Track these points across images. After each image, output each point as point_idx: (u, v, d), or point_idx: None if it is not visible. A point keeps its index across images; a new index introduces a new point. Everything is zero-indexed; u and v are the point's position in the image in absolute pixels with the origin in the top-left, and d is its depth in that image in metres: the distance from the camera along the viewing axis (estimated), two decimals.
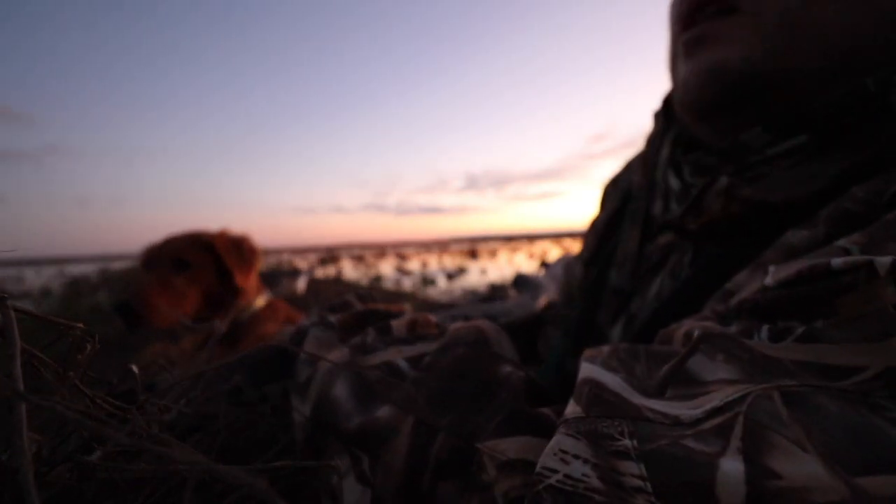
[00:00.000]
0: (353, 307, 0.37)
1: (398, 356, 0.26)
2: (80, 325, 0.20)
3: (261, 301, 1.14)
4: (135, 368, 0.27)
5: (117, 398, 0.27)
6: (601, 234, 0.45)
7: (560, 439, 0.15)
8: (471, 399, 0.21)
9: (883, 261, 0.15)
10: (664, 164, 0.38)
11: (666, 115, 0.40)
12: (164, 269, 1.01)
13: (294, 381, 0.30)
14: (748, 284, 0.22)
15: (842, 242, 0.20)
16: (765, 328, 0.18)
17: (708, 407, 0.15)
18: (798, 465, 0.12)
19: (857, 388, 0.14)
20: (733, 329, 0.19)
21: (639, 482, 0.13)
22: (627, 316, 0.36)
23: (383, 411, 0.22)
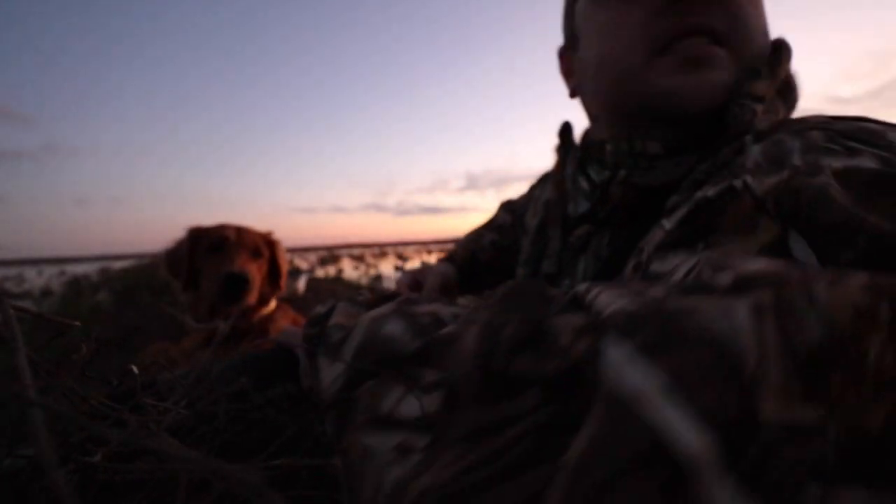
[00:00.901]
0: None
1: (442, 310, 0.29)
2: (77, 323, 0.21)
3: (273, 303, 1.18)
4: (135, 369, 0.27)
5: (118, 398, 0.27)
6: (533, 240, 0.58)
7: (604, 298, 0.20)
8: (532, 302, 0.24)
9: (736, 182, 0.26)
10: (571, 177, 0.52)
11: (563, 145, 0.57)
12: (248, 254, 1.08)
13: (322, 346, 0.31)
14: (651, 237, 0.31)
15: (699, 194, 0.30)
16: (680, 249, 0.28)
17: (681, 274, 0.24)
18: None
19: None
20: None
21: (662, 290, 0.19)
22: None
23: (447, 329, 0.24)
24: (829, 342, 0.15)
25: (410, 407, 0.23)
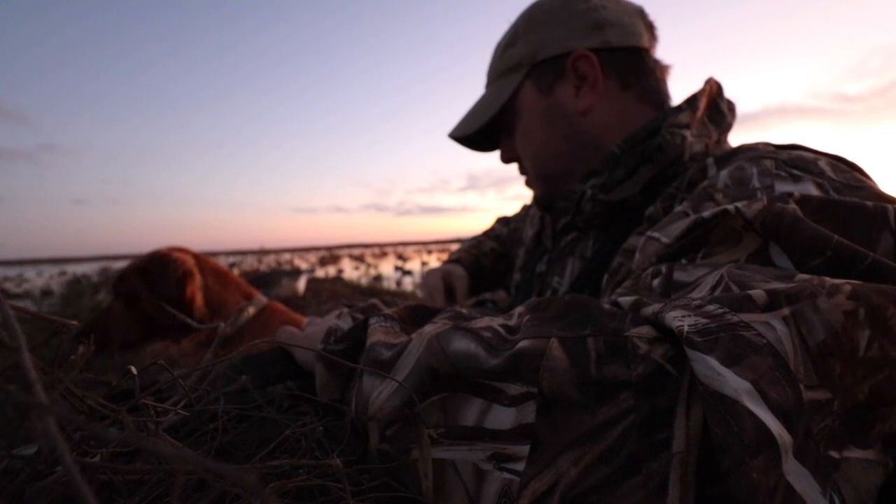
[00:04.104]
0: (381, 309, 0.41)
1: (494, 323, 0.29)
2: (75, 322, 0.20)
3: (251, 310, 1.07)
4: (133, 369, 0.27)
5: (117, 398, 0.27)
6: (528, 248, 0.69)
7: (672, 315, 0.24)
8: (596, 318, 0.27)
9: (730, 207, 0.30)
10: None
11: None
12: (120, 303, 1.07)
13: (366, 360, 0.31)
14: (644, 245, 0.37)
15: (680, 208, 0.37)
16: (683, 261, 0.32)
17: (708, 287, 0.27)
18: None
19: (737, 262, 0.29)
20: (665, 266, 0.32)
21: (717, 307, 0.23)
22: (551, 290, 0.57)
23: (524, 343, 0.25)
24: (830, 339, 0.22)
25: (498, 418, 0.24)
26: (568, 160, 0.55)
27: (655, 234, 0.36)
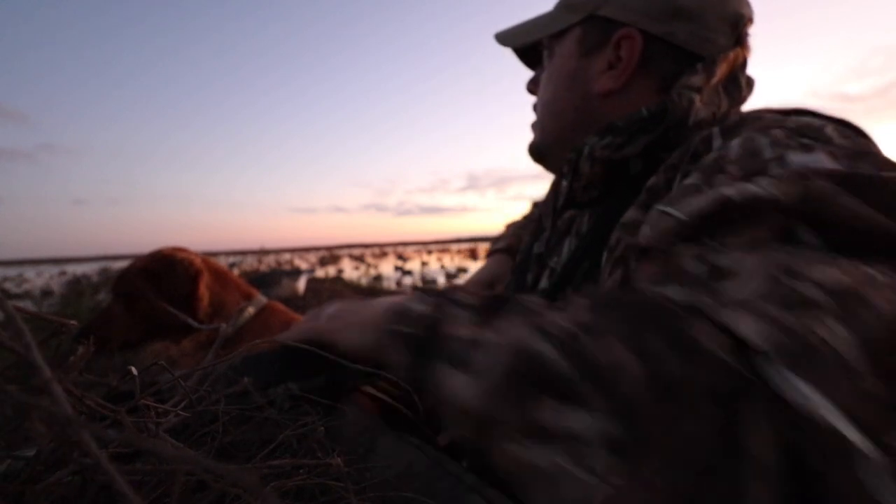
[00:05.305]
0: (457, 296, 0.39)
1: (570, 322, 0.29)
2: (74, 322, 0.20)
3: (251, 310, 1.07)
4: (133, 370, 0.27)
5: (118, 399, 0.27)
6: (532, 230, 0.66)
7: (742, 322, 0.24)
8: (667, 321, 0.26)
9: (763, 192, 0.28)
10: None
11: None
12: (119, 302, 1.07)
13: (444, 350, 0.30)
14: (656, 220, 0.34)
15: (690, 181, 0.34)
16: (715, 244, 0.29)
17: (758, 278, 0.25)
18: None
19: None
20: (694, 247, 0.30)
21: (781, 311, 0.23)
22: (549, 270, 0.53)
23: (589, 347, 0.26)
24: (886, 335, 0.21)
25: (576, 421, 0.24)
26: (569, 129, 0.52)
27: (668, 209, 0.34)
